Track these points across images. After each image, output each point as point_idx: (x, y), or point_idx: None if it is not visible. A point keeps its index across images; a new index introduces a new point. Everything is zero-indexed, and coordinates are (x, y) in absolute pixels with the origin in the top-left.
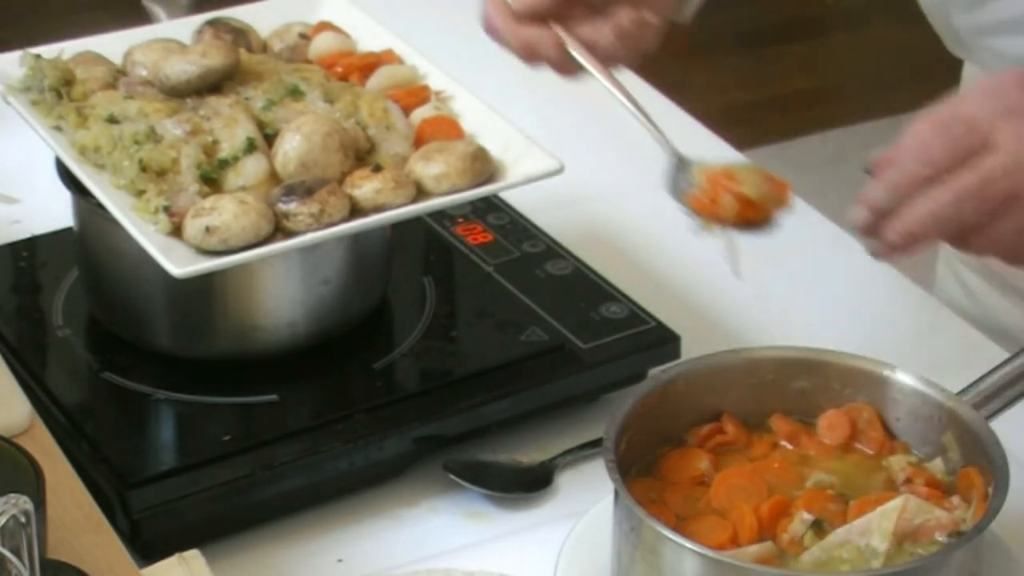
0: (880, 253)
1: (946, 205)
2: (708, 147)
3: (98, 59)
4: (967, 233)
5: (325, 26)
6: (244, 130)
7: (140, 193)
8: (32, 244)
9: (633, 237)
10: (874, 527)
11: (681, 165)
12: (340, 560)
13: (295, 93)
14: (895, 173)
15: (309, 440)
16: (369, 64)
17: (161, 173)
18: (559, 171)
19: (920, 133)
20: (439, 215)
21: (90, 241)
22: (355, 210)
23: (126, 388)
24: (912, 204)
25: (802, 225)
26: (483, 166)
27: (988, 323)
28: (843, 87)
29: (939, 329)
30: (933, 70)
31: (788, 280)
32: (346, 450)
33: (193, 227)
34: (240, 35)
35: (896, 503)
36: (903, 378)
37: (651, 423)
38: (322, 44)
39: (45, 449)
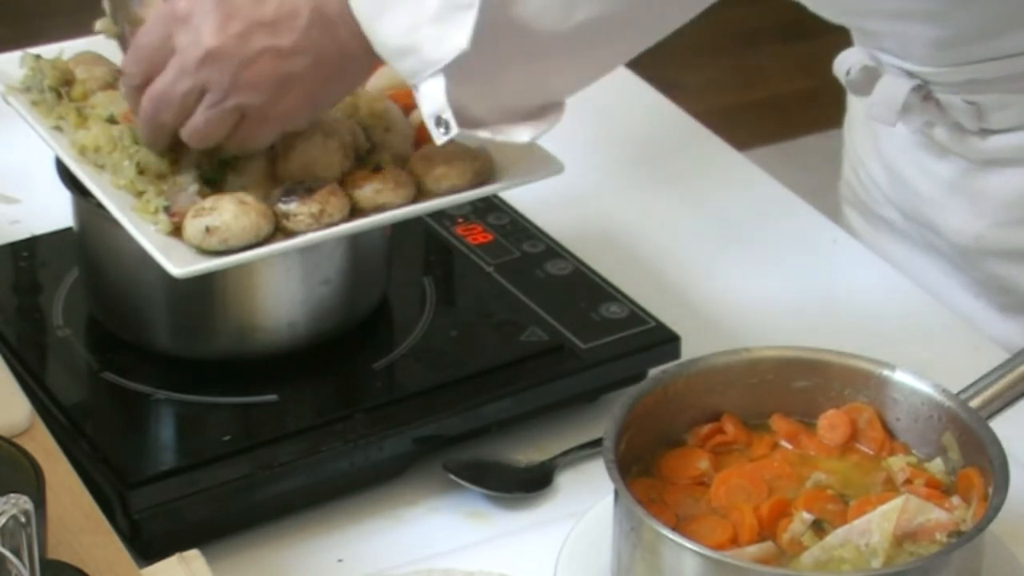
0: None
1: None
2: (708, 147)
3: (98, 59)
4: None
5: None
6: None
7: (140, 193)
8: (32, 244)
9: (633, 237)
10: (874, 527)
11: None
12: (340, 560)
13: None
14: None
15: (309, 440)
16: None
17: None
18: (559, 171)
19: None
20: (439, 215)
21: (90, 241)
22: (355, 210)
23: (126, 388)
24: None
25: (802, 225)
26: (483, 166)
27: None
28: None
29: (939, 329)
30: None
31: (788, 280)
32: (346, 450)
33: (193, 227)
34: None
35: (896, 503)
36: (903, 378)
37: (651, 423)
38: None
39: (45, 449)
